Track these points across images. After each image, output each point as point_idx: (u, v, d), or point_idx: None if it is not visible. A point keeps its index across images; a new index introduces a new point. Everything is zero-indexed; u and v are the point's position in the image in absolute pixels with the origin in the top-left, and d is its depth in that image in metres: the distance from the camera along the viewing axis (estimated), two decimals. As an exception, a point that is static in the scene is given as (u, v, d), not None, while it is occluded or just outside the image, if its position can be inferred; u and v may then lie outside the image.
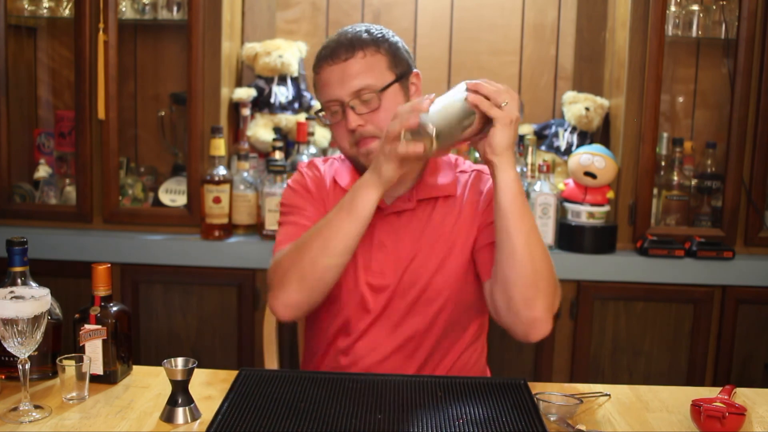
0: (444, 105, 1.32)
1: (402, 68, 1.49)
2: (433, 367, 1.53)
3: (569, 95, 2.64)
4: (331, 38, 1.50)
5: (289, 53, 2.60)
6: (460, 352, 1.55)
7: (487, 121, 1.33)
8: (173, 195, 2.54)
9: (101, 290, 1.36)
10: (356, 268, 1.50)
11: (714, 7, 2.48)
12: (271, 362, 1.72)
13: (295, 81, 2.63)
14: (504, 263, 1.37)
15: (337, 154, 1.65)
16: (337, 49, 1.45)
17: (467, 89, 1.33)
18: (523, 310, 1.36)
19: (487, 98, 1.31)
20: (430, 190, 1.53)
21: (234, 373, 1.39)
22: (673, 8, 2.47)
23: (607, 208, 2.40)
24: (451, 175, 1.56)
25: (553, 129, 2.66)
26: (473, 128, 1.34)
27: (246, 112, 2.58)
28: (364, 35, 1.47)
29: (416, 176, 1.53)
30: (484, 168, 1.58)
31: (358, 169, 1.53)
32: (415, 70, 1.53)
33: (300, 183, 1.58)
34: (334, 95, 1.45)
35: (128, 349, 1.40)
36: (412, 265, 1.49)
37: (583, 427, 1.23)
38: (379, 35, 1.48)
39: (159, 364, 1.28)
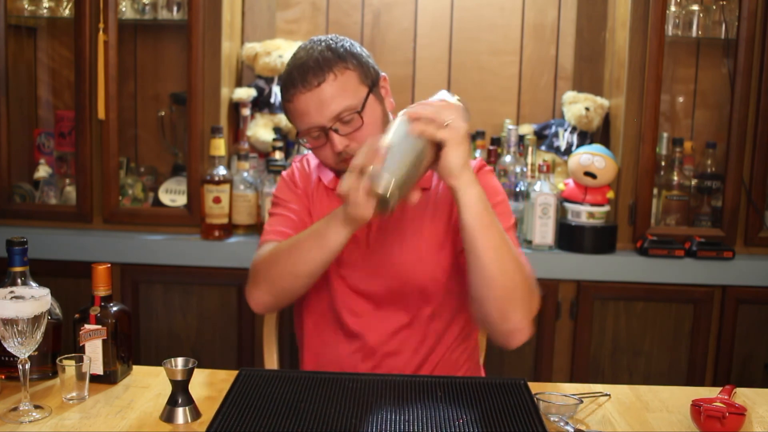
0: (393, 151, 1.25)
1: (371, 77, 1.47)
2: (417, 366, 1.53)
3: (569, 95, 2.64)
4: (294, 60, 1.46)
5: (289, 53, 2.59)
6: (444, 350, 1.55)
7: (439, 147, 1.28)
8: (173, 195, 2.54)
9: (101, 290, 1.36)
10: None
11: (714, 7, 2.48)
12: (271, 362, 1.72)
13: (295, 81, 2.63)
14: (475, 282, 1.35)
15: None
16: (306, 75, 1.41)
17: (407, 120, 1.28)
18: (499, 324, 1.36)
19: (431, 121, 1.26)
20: None
21: (234, 373, 1.39)
22: (673, 8, 2.47)
23: (607, 208, 2.40)
24: None
25: (553, 129, 2.66)
26: (428, 159, 1.29)
27: (246, 112, 2.58)
28: (328, 53, 1.43)
29: None
30: None
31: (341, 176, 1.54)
32: (382, 74, 1.52)
33: (289, 176, 1.63)
34: (315, 123, 1.43)
35: (128, 349, 1.40)
36: (383, 258, 1.51)
37: (583, 427, 1.23)
38: (342, 50, 1.45)
39: (159, 364, 1.28)
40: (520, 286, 1.35)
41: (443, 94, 1.37)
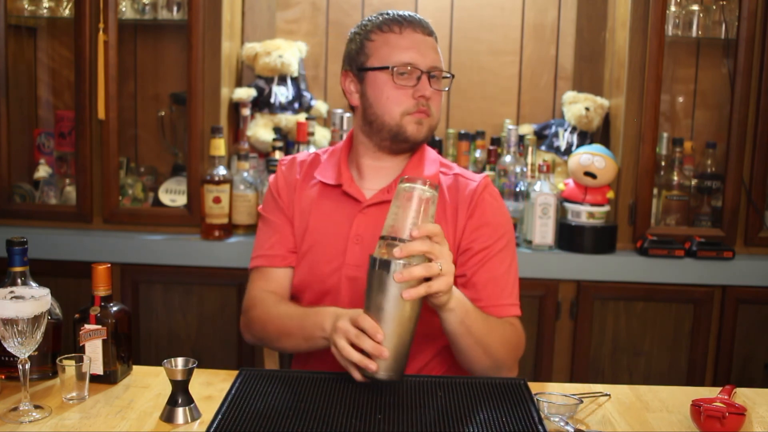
0: (390, 328, 1.22)
1: None
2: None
3: (569, 95, 2.64)
4: (393, 11, 1.52)
5: (289, 53, 2.60)
6: (433, 353, 1.55)
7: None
8: (173, 195, 2.54)
9: (101, 290, 1.36)
10: (335, 262, 1.52)
11: (714, 7, 2.48)
12: (271, 362, 1.72)
13: (295, 81, 2.63)
14: (461, 360, 1.43)
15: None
16: (421, 23, 1.51)
17: (396, 280, 1.20)
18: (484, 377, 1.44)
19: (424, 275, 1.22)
20: None
21: (234, 373, 1.39)
22: (673, 8, 2.47)
23: (607, 208, 2.40)
24: (434, 170, 1.57)
25: (553, 129, 2.66)
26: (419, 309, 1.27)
27: (246, 112, 2.58)
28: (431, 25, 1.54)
29: (399, 170, 1.55)
30: (463, 172, 1.60)
31: (389, 143, 1.52)
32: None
33: (274, 185, 1.64)
34: (415, 60, 1.47)
35: (128, 349, 1.39)
36: None
37: (583, 427, 1.23)
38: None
39: (159, 364, 1.28)
40: (505, 355, 1.44)
41: (416, 192, 1.24)
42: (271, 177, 1.66)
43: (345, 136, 1.64)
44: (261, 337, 1.55)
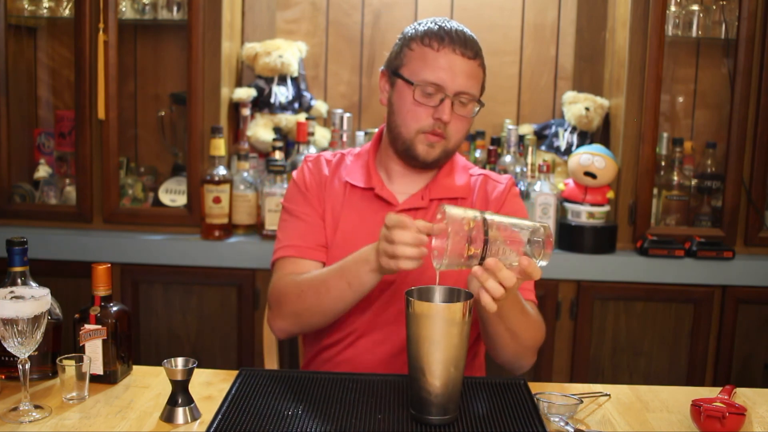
0: (439, 357, 1.16)
1: (482, 92, 1.52)
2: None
3: (569, 95, 2.64)
4: (445, 23, 1.47)
5: (289, 53, 2.60)
6: None
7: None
8: (173, 195, 2.54)
9: (101, 290, 1.36)
10: None
11: (714, 7, 2.48)
12: (271, 362, 1.72)
13: (295, 81, 2.63)
14: (489, 344, 1.43)
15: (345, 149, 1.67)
16: (467, 43, 1.45)
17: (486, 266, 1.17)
18: (507, 366, 1.46)
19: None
20: (444, 190, 1.55)
21: (234, 373, 1.39)
22: (673, 8, 2.47)
23: (607, 208, 2.40)
24: (465, 178, 1.59)
25: (553, 129, 2.66)
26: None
27: (246, 112, 2.58)
28: (479, 46, 1.49)
29: (431, 176, 1.56)
30: (490, 173, 1.62)
31: (403, 155, 1.53)
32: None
33: (300, 179, 1.61)
34: (443, 82, 1.44)
35: (128, 349, 1.40)
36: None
37: (583, 427, 1.23)
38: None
39: (159, 364, 1.28)
40: (531, 342, 1.43)
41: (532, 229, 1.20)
42: (295, 172, 1.63)
43: (370, 137, 1.64)
44: (298, 311, 1.47)
